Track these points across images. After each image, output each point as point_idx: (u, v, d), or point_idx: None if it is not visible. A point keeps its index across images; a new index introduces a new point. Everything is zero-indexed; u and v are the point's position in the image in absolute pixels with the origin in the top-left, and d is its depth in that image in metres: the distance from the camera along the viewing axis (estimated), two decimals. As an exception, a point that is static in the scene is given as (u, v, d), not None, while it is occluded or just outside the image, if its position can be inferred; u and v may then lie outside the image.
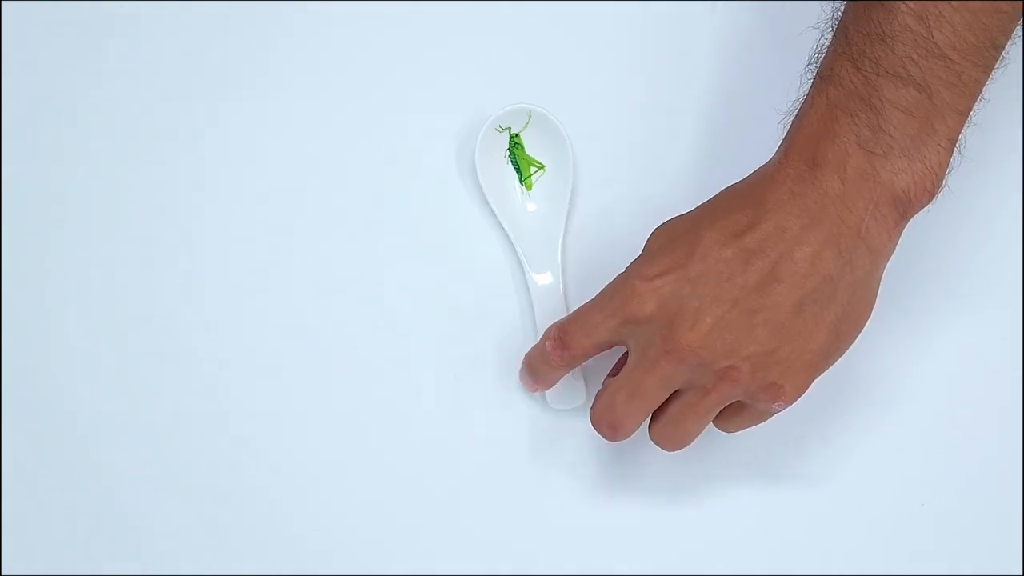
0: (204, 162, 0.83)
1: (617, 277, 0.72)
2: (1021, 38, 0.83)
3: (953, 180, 0.81)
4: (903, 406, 0.78)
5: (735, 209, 0.70)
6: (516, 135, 0.81)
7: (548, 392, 0.78)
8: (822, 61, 0.71)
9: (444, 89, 0.83)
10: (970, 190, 0.81)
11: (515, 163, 0.82)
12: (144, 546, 0.77)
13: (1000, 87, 0.83)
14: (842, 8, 0.71)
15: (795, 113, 0.71)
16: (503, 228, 0.81)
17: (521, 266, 0.80)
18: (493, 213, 0.80)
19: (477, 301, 0.81)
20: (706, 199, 0.72)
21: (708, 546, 0.78)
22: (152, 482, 0.78)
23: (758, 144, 0.73)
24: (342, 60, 0.84)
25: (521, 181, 0.81)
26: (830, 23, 0.72)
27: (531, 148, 0.82)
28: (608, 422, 0.72)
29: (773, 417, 0.73)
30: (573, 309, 0.73)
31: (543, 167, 0.81)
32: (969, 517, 0.77)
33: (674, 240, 0.71)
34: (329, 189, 0.82)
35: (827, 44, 0.72)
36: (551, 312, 0.79)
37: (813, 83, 0.71)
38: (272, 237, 0.81)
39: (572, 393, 0.79)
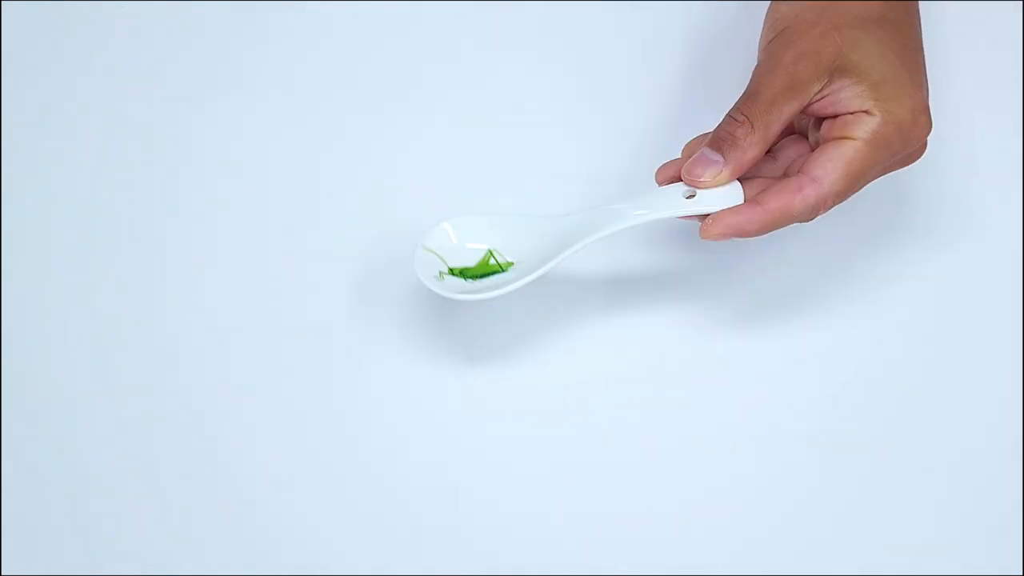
0: (204, 162, 0.83)
1: (900, 114, 0.73)
2: (1021, 35, 0.83)
3: (953, 180, 0.81)
4: (902, 406, 0.78)
5: None
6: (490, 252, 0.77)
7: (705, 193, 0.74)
8: None
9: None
10: (970, 191, 0.82)
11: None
12: (144, 546, 0.77)
13: (1000, 87, 0.83)
14: None
15: None
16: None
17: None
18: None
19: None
20: None
21: (708, 549, 0.78)
22: (153, 483, 0.78)
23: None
24: (345, 58, 0.85)
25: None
26: None
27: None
28: None
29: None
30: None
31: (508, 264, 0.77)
32: (969, 517, 0.77)
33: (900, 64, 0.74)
34: (327, 190, 0.83)
35: None
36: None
37: None
38: (267, 237, 0.82)
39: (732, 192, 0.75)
